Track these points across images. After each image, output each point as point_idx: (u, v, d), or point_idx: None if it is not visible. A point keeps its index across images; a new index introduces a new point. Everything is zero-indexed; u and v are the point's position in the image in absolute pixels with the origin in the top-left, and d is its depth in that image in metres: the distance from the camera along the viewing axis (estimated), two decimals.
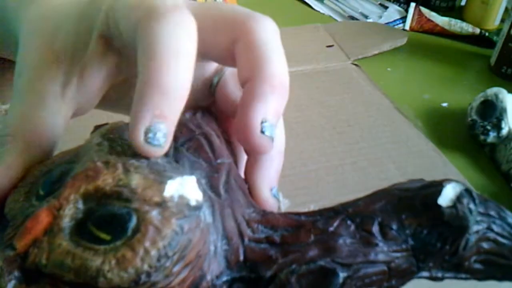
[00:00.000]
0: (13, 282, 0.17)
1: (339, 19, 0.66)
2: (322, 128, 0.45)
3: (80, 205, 0.18)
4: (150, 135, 0.19)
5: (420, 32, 0.64)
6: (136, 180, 0.18)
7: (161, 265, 0.17)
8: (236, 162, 0.25)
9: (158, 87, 0.18)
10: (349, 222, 0.21)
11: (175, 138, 0.21)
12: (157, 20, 0.19)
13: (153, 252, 0.17)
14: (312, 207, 0.23)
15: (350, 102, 0.49)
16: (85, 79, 0.24)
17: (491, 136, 0.43)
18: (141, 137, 0.18)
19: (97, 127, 0.22)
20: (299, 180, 0.38)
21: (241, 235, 0.20)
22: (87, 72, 0.24)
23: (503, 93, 0.45)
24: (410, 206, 0.20)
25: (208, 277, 0.19)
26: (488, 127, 0.44)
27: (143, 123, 0.18)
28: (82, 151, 0.20)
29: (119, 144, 0.20)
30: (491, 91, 0.45)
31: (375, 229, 0.20)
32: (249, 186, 0.24)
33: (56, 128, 0.24)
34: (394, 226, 0.20)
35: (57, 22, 0.24)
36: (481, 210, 0.21)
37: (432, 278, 0.21)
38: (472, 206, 0.20)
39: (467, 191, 0.20)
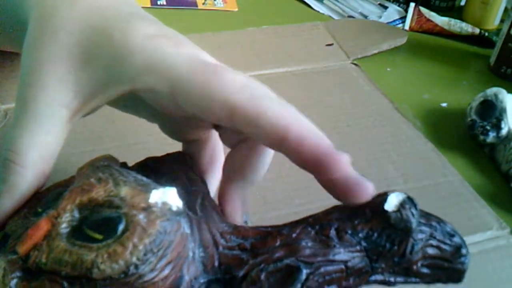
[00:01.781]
0: (15, 281, 0.19)
1: (338, 19, 0.66)
2: (321, 128, 0.45)
3: (76, 214, 0.20)
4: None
5: (420, 32, 0.63)
6: (125, 191, 0.21)
7: (147, 259, 0.19)
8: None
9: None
10: (309, 228, 0.23)
11: (156, 172, 0.25)
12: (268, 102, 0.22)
13: (141, 247, 0.19)
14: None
15: (350, 102, 0.48)
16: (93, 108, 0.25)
17: (491, 136, 0.43)
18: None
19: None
20: (297, 181, 0.38)
21: (215, 244, 0.23)
22: (97, 105, 0.25)
23: (502, 93, 0.44)
24: (361, 214, 0.23)
25: (187, 278, 0.21)
26: (488, 127, 0.43)
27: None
28: (75, 178, 0.23)
29: (107, 168, 0.22)
30: (491, 91, 0.45)
31: (332, 233, 0.23)
32: (222, 211, 0.27)
33: (58, 151, 0.25)
34: (349, 231, 0.23)
35: (81, 41, 0.24)
36: (424, 221, 0.24)
37: (385, 283, 0.24)
38: (413, 210, 0.23)
39: (409, 198, 0.23)
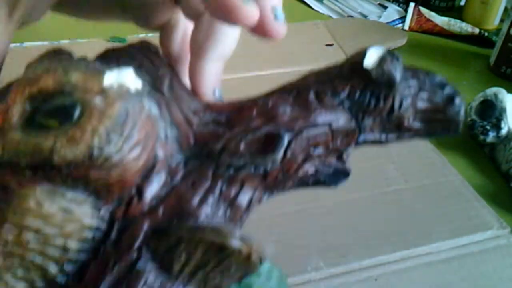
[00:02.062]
0: None
1: (338, 18, 0.66)
2: None
3: (27, 106, 0.19)
4: (277, 14, 0.20)
5: (420, 32, 0.64)
6: (76, 76, 0.19)
7: (111, 140, 0.18)
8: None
9: None
10: (286, 95, 0.22)
11: (118, 61, 0.23)
12: None
13: (101, 129, 0.18)
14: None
15: None
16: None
17: (491, 136, 0.43)
18: (270, 16, 0.20)
19: None
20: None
21: (189, 122, 0.22)
22: None
23: (502, 93, 0.45)
24: (340, 74, 0.22)
25: (162, 157, 0.20)
26: (488, 127, 0.44)
27: (267, 6, 0.20)
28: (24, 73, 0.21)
29: (55, 57, 0.21)
30: (491, 91, 0.45)
31: (311, 97, 0.22)
32: (193, 90, 0.25)
33: (1, 49, 0.23)
34: (329, 92, 0.22)
35: None
36: (411, 75, 0.23)
37: (378, 142, 0.23)
38: (395, 63, 0.22)
39: (389, 51, 0.22)
